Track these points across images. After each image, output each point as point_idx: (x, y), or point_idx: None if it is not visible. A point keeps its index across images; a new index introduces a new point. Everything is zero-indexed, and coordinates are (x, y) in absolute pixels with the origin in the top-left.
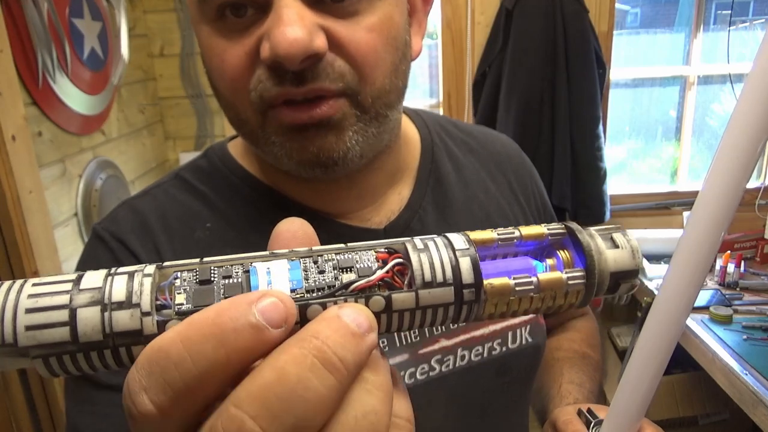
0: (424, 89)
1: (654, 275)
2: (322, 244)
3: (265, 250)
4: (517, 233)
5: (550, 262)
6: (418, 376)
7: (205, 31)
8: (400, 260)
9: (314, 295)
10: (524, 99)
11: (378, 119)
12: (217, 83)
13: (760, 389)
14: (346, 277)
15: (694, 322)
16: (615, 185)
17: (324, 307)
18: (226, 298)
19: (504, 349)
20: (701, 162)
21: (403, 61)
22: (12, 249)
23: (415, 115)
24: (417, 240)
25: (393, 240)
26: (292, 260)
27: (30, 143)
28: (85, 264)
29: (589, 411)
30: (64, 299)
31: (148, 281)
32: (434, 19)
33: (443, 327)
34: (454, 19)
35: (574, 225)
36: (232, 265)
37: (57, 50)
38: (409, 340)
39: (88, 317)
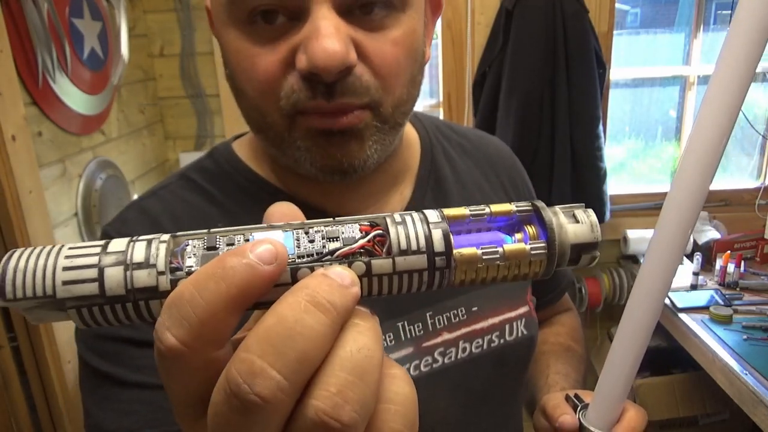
0: (424, 89)
1: None
2: None
3: None
4: (487, 210)
5: (518, 236)
6: (422, 368)
7: (232, 34)
8: (380, 231)
9: (304, 259)
10: (524, 99)
11: (395, 128)
12: (245, 87)
13: (760, 389)
14: (332, 245)
15: (694, 322)
16: (615, 185)
17: (312, 270)
18: None
19: (502, 341)
20: None
21: (420, 71)
22: (12, 249)
23: (414, 118)
24: (396, 215)
25: (375, 215)
26: (286, 231)
27: (30, 143)
28: None
29: (576, 396)
30: (93, 260)
31: (163, 246)
32: None
33: (445, 320)
34: (454, 19)
35: (539, 203)
36: (234, 234)
37: (57, 50)
38: (414, 334)
39: (113, 275)
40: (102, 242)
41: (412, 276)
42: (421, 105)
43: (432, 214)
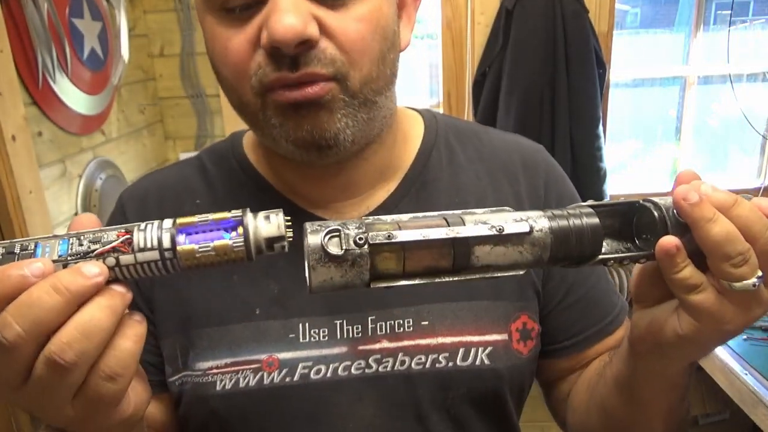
0: (424, 89)
1: None
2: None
3: None
4: (211, 217)
5: (233, 233)
6: (353, 371)
7: (208, 20)
8: (128, 236)
9: (73, 258)
10: (524, 99)
11: (367, 105)
12: (221, 69)
13: (760, 389)
14: (94, 246)
15: None
16: (615, 185)
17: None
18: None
19: (450, 364)
20: (701, 162)
21: (392, 50)
22: None
23: (431, 118)
24: (142, 224)
25: (129, 224)
26: (63, 239)
27: (30, 143)
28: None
29: None
30: None
31: None
32: (434, 19)
33: (387, 327)
34: (454, 19)
35: (247, 211)
36: (28, 243)
37: (57, 50)
38: (351, 335)
39: None
40: None
41: (150, 265)
42: (421, 105)
43: (167, 222)
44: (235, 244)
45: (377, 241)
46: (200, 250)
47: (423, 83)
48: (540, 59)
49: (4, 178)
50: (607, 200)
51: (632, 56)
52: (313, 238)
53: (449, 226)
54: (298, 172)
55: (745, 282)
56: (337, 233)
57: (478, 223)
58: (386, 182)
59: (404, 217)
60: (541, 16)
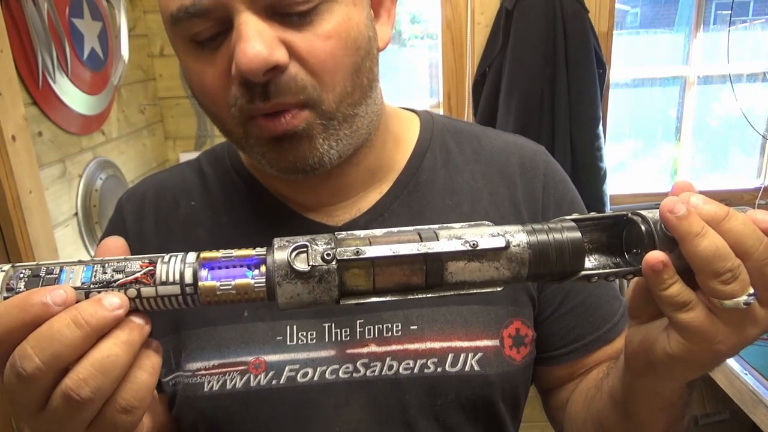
0: (424, 89)
1: None
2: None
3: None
4: (234, 253)
5: (256, 272)
6: (341, 374)
7: (181, 51)
8: (151, 267)
9: (96, 286)
10: (524, 99)
11: (347, 120)
12: (200, 100)
13: (760, 389)
14: (117, 276)
15: None
16: (615, 185)
17: (99, 293)
18: (45, 286)
19: (439, 369)
20: (701, 162)
21: (367, 58)
22: (12, 249)
23: (427, 119)
24: (166, 256)
25: (154, 255)
26: (88, 265)
27: (30, 143)
28: (108, 226)
29: None
30: None
31: (1, 274)
32: (434, 19)
33: (375, 331)
34: (454, 19)
35: (273, 249)
36: (53, 267)
37: (57, 50)
38: (339, 338)
39: None
40: None
41: (171, 298)
42: (421, 105)
43: (190, 256)
44: (256, 284)
45: (345, 257)
46: (221, 287)
47: (423, 83)
48: (540, 59)
49: (4, 178)
50: (593, 213)
51: (632, 56)
52: (280, 254)
53: (422, 241)
54: (287, 180)
55: (735, 300)
56: (305, 249)
57: (452, 238)
58: (379, 184)
59: (378, 231)
60: (541, 16)
